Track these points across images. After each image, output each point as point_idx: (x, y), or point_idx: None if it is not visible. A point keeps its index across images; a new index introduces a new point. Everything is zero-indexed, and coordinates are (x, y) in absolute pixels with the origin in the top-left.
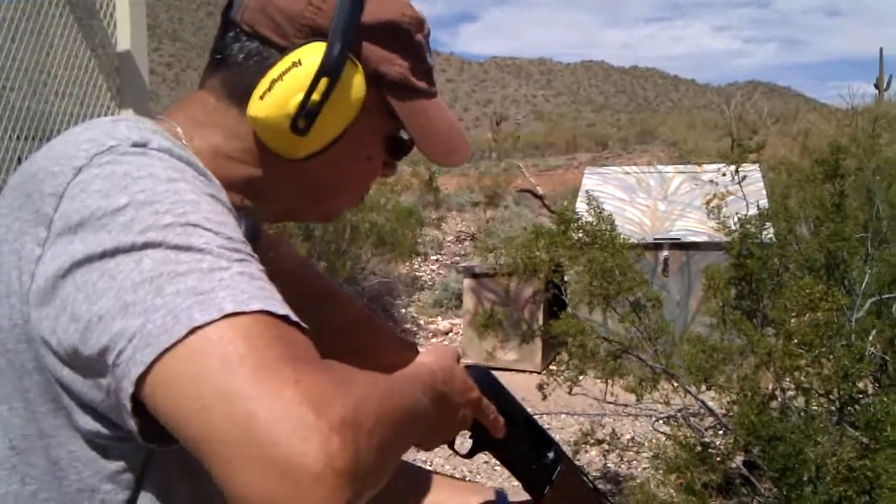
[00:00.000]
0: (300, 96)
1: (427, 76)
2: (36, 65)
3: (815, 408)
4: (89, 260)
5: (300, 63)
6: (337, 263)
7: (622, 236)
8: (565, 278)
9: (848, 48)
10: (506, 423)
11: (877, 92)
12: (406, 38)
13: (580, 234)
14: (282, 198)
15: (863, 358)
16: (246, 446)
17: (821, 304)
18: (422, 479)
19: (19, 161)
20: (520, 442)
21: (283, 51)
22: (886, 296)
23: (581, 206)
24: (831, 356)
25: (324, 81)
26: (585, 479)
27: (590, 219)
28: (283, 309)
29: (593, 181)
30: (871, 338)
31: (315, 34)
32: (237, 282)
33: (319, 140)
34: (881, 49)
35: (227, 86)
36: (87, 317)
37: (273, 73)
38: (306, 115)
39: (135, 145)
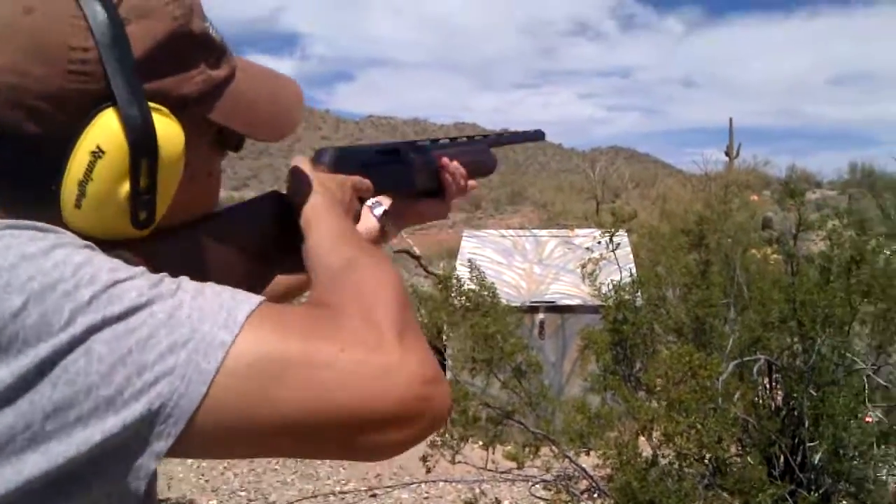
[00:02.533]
0: (125, 189)
1: (221, 57)
2: None
3: (689, 472)
4: (26, 384)
5: (101, 152)
6: None
7: (504, 301)
8: (445, 343)
9: (701, 118)
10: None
11: (727, 159)
12: (188, 40)
13: (463, 300)
14: None
15: (735, 422)
16: (357, 373)
17: (699, 371)
18: None
19: None
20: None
21: (67, 139)
22: (747, 358)
23: (461, 269)
24: (705, 420)
25: (144, 162)
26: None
27: (472, 285)
28: (251, 297)
29: (471, 244)
30: (735, 399)
31: (94, 103)
32: (201, 306)
33: (162, 206)
34: (731, 119)
35: (19, 200)
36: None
37: (74, 173)
38: (143, 204)
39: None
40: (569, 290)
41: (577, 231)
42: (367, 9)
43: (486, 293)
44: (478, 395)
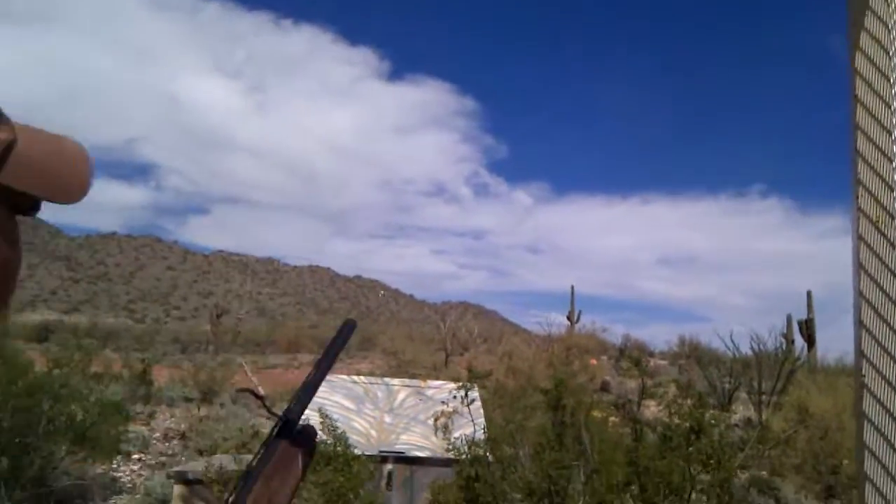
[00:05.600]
0: None
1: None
2: None
3: None
4: None
5: None
6: (24, 460)
7: (359, 454)
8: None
9: (545, 283)
10: None
11: (569, 323)
12: None
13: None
14: None
15: None
16: None
17: None
18: None
19: None
20: None
21: None
22: None
23: (311, 415)
24: None
25: None
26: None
27: (324, 437)
28: None
29: (322, 388)
30: None
31: None
32: None
33: None
34: (572, 287)
35: None
36: None
37: None
38: None
39: None
40: (419, 441)
41: (430, 382)
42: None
43: (338, 446)
44: None
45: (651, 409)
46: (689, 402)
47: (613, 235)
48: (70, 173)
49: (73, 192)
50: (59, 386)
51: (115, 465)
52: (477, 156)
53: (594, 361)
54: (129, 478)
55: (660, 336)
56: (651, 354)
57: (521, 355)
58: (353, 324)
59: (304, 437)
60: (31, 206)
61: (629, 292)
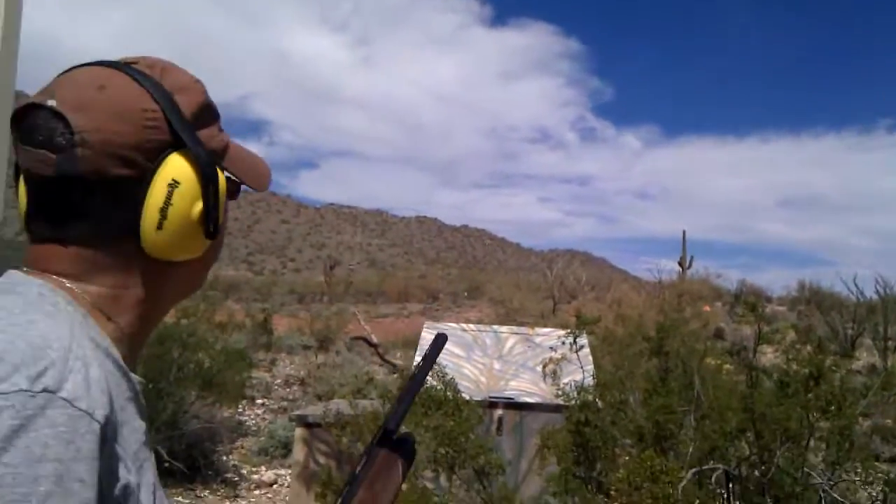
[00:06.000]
0: (198, 209)
1: (222, 129)
2: None
3: None
4: None
5: (178, 183)
6: (157, 405)
7: (469, 400)
8: None
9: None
10: None
11: (680, 270)
12: (210, 107)
13: (426, 398)
14: (172, 298)
15: None
16: None
17: (660, 476)
18: None
19: None
20: None
21: (143, 179)
22: (706, 467)
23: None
24: None
25: (210, 187)
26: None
27: (434, 383)
28: None
29: (431, 335)
30: None
31: (162, 149)
32: None
33: (185, 242)
34: (684, 232)
35: (99, 234)
36: None
37: (153, 202)
38: (212, 219)
39: (45, 390)
40: (528, 387)
41: (538, 329)
42: (336, 102)
43: (447, 392)
44: (438, 494)
45: (768, 356)
46: (808, 347)
47: (729, 177)
48: (261, 166)
49: (264, 181)
50: (187, 335)
51: (240, 410)
52: (582, 99)
53: (707, 308)
54: (253, 421)
55: (778, 281)
56: (768, 300)
57: (630, 303)
58: (445, 337)
59: (403, 445)
60: (236, 190)
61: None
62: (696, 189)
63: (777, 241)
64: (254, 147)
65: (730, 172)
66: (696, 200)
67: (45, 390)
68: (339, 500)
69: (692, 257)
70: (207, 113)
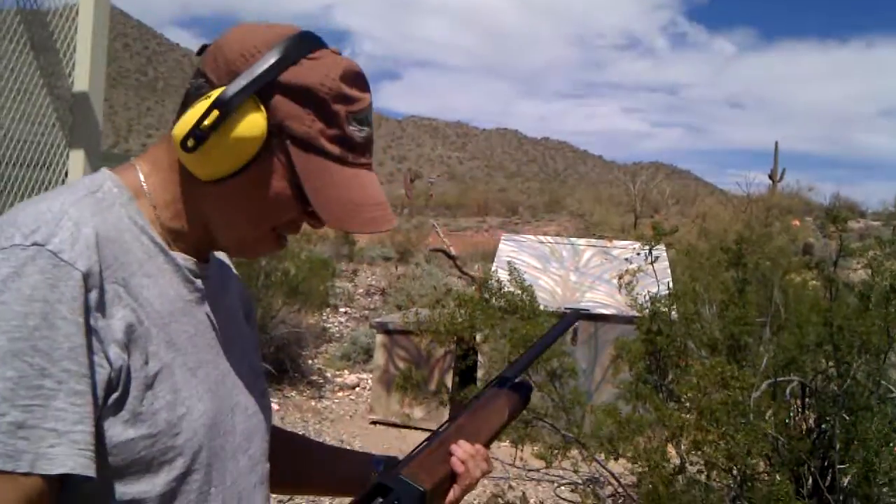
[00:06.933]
0: (196, 120)
1: (344, 144)
2: None
3: (716, 483)
4: None
5: (210, 97)
6: None
7: (542, 307)
8: (478, 340)
9: (747, 139)
10: None
11: (770, 183)
12: (321, 104)
13: (502, 303)
14: (204, 221)
15: (764, 437)
16: None
17: (731, 382)
18: (308, 449)
19: None
20: None
21: (205, 94)
22: (781, 379)
23: (499, 272)
24: (735, 433)
25: (214, 113)
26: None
27: (511, 288)
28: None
29: (509, 247)
30: (767, 417)
31: (232, 79)
32: None
33: (216, 165)
34: (776, 143)
35: (167, 135)
36: None
37: (192, 112)
38: (195, 136)
39: (35, 244)
40: (604, 299)
41: (616, 242)
42: (418, 11)
43: (524, 296)
44: None
45: (858, 273)
46: (892, 261)
47: (828, 85)
48: (346, 214)
49: (337, 220)
50: None
51: (324, 317)
52: (674, 2)
53: (797, 223)
54: (336, 328)
55: (875, 195)
56: (862, 215)
57: (715, 217)
58: (578, 315)
59: (517, 386)
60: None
61: (842, 148)
62: (792, 97)
63: (876, 153)
64: None
65: (829, 79)
66: (790, 109)
67: (34, 244)
68: (444, 424)
69: (784, 170)
70: (305, 97)
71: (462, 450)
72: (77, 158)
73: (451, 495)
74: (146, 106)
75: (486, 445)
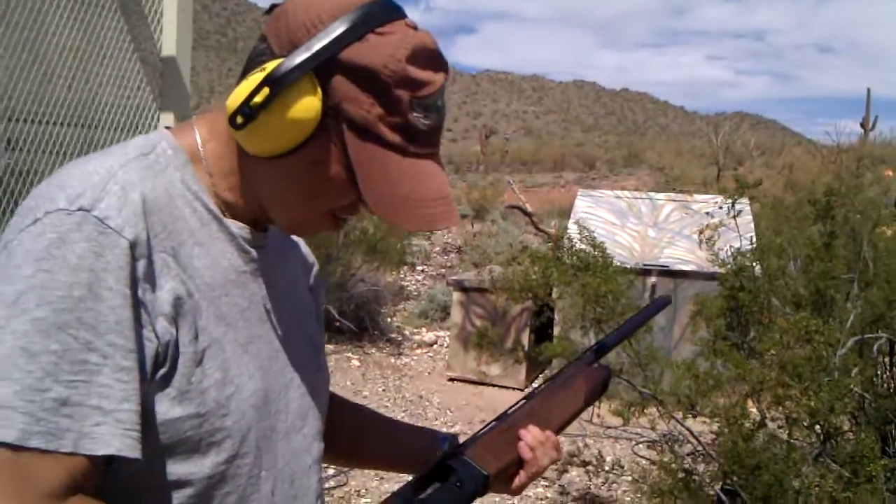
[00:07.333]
0: (246, 96)
1: (404, 131)
2: (82, 55)
3: (798, 440)
4: None
5: (265, 70)
6: (329, 268)
7: (615, 262)
8: (554, 298)
9: (837, 86)
10: None
11: (862, 132)
12: (382, 88)
13: (574, 260)
14: (259, 198)
15: (849, 394)
16: None
17: (815, 336)
18: (370, 421)
19: (58, 146)
20: None
21: (274, 58)
22: (868, 335)
23: (574, 229)
24: (818, 389)
25: (265, 90)
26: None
27: (583, 246)
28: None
29: (585, 203)
30: (853, 374)
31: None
32: None
33: (267, 143)
34: (868, 89)
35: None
36: None
37: (247, 82)
38: (244, 113)
39: (80, 209)
40: (683, 255)
41: (696, 196)
42: None
43: (597, 253)
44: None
45: None
46: None
47: None
48: (398, 206)
49: (385, 211)
50: None
51: (402, 275)
52: None
53: (889, 173)
54: (414, 286)
55: None
56: None
57: (803, 168)
58: (667, 300)
59: (597, 370)
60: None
61: None
62: (887, 41)
63: None
64: (411, 14)
65: None
66: (885, 54)
67: (80, 209)
68: (517, 404)
69: (877, 117)
70: (366, 79)
71: (531, 435)
72: (167, 121)
73: (517, 481)
74: (227, 67)
75: (558, 432)
